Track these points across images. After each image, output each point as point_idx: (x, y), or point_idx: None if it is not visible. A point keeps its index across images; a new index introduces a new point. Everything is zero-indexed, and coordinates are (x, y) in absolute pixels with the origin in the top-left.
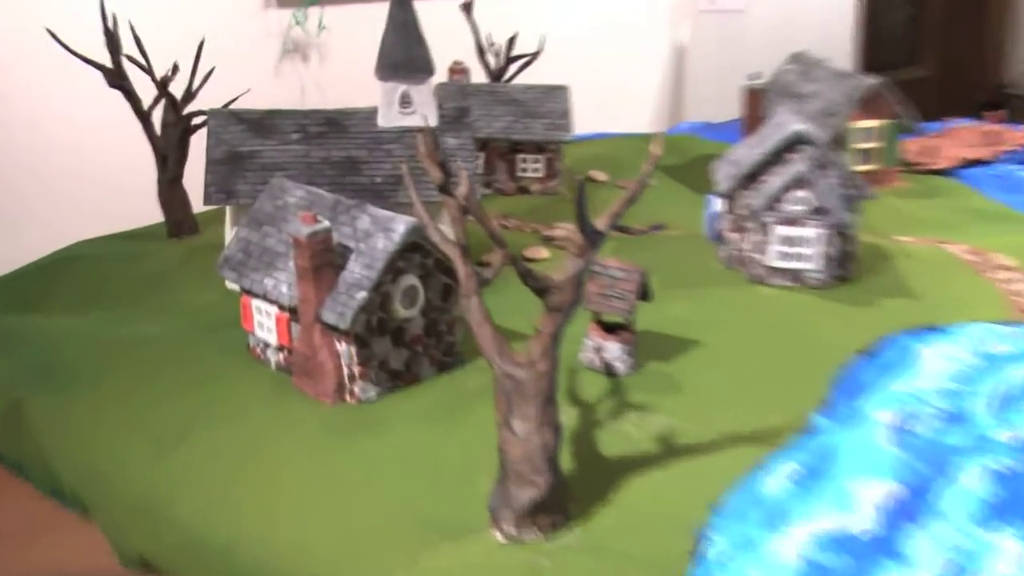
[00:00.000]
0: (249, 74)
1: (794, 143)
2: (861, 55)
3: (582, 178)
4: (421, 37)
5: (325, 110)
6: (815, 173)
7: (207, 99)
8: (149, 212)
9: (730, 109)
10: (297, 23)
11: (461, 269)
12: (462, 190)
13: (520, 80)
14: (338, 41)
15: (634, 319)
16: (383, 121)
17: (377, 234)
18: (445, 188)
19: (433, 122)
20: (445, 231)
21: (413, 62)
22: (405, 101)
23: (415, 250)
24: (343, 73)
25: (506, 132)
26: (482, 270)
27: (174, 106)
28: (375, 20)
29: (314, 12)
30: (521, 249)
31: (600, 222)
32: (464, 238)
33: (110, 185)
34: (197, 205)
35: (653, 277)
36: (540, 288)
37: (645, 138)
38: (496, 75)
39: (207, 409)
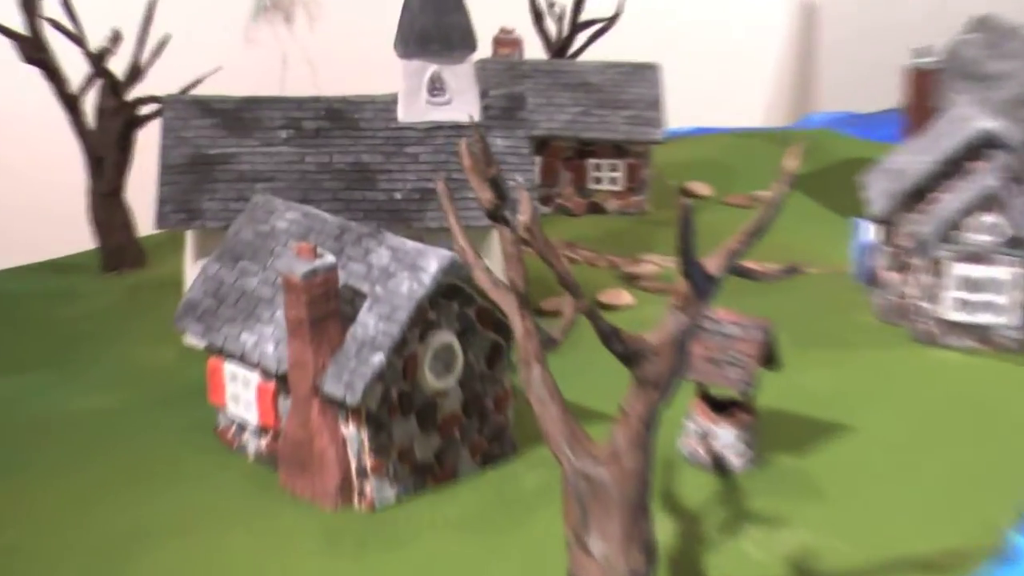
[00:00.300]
0: (212, 42)
1: (980, 147)
2: None
3: (689, 203)
4: (463, 6)
5: (325, 98)
6: (1010, 190)
7: (159, 79)
8: (78, 235)
9: (883, 95)
10: None
11: (519, 326)
12: (524, 218)
13: (591, 55)
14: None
15: (754, 393)
16: (406, 114)
17: (400, 273)
18: (498, 215)
19: (475, 115)
20: (495, 272)
21: (448, 33)
22: (437, 87)
23: (452, 295)
24: (343, 41)
25: (573, 128)
26: (547, 327)
27: (114, 89)
28: None
29: None
30: (595, 292)
31: (712, 264)
32: (524, 283)
33: (24, 197)
34: (145, 226)
35: (781, 333)
36: (628, 354)
37: (762, 136)
38: (559, 48)
39: (160, 517)
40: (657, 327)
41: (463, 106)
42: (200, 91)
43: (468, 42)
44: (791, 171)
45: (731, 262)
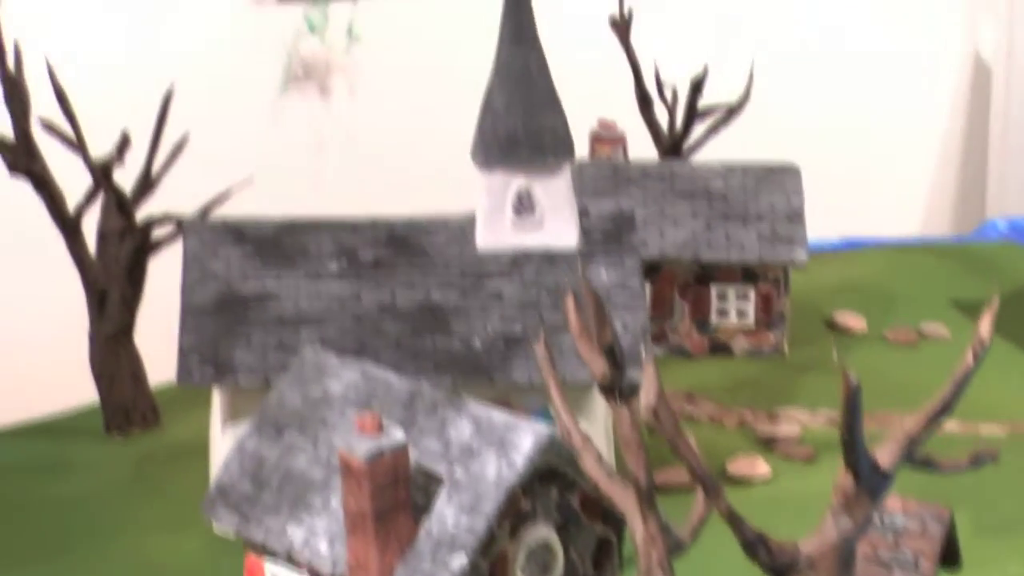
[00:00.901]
0: (235, 129)
1: None
2: None
3: (855, 382)
4: (552, 92)
5: (384, 221)
6: None
7: (175, 188)
8: (75, 388)
9: None
10: (311, 29)
11: (640, 530)
12: (648, 398)
13: (711, 153)
14: (381, 65)
15: None
16: (487, 240)
17: (486, 453)
18: (614, 389)
19: (571, 240)
20: (607, 457)
21: (539, 137)
22: (525, 204)
23: (550, 480)
24: (390, 114)
25: (692, 247)
26: (673, 526)
27: (121, 206)
28: (454, 21)
29: (339, 9)
30: (722, 460)
31: (885, 454)
32: (647, 475)
33: (8, 341)
34: (160, 376)
35: (960, 516)
36: (778, 568)
37: (928, 250)
38: (672, 145)
39: None
40: (815, 532)
41: (557, 228)
42: (229, 208)
43: (564, 148)
44: (985, 338)
45: (910, 451)
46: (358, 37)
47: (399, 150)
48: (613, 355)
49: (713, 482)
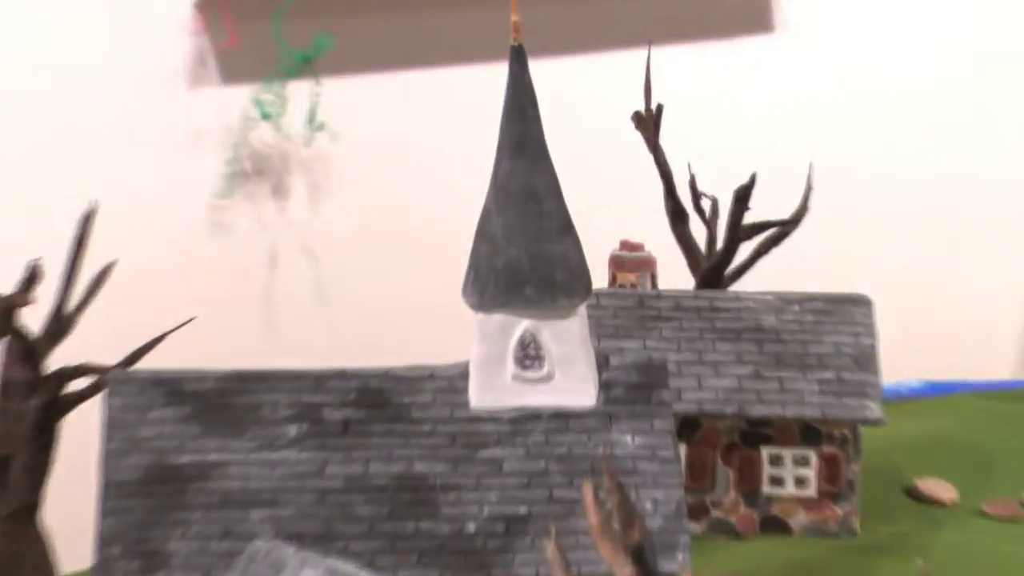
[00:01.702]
0: (162, 236)
1: None
2: None
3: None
4: (563, 215)
5: (356, 372)
6: None
7: (93, 331)
8: None
9: None
10: (264, 116)
11: None
12: None
13: (758, 281)
14: (353, 160)
15: None
16: (483, 397)
17: None
18: None
19: (588, 397)
20: None
21: (549, 271)
22: (530, 354)
23: None
24: (365, 232)
25: (737, 400)
26: None
27: (28, 356)
28: (446, 107)
29: (299, 91)
30: None
31: None
32: None
33: None
34: (73, 566)
35: None
36: None
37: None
38: (712, 270)
39: None
40: None
41: (571, 383)
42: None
43: (578, 283)
44: None
45: None
46: (322, 126)
47: (372, 273)
48: (642, 557)
49: None
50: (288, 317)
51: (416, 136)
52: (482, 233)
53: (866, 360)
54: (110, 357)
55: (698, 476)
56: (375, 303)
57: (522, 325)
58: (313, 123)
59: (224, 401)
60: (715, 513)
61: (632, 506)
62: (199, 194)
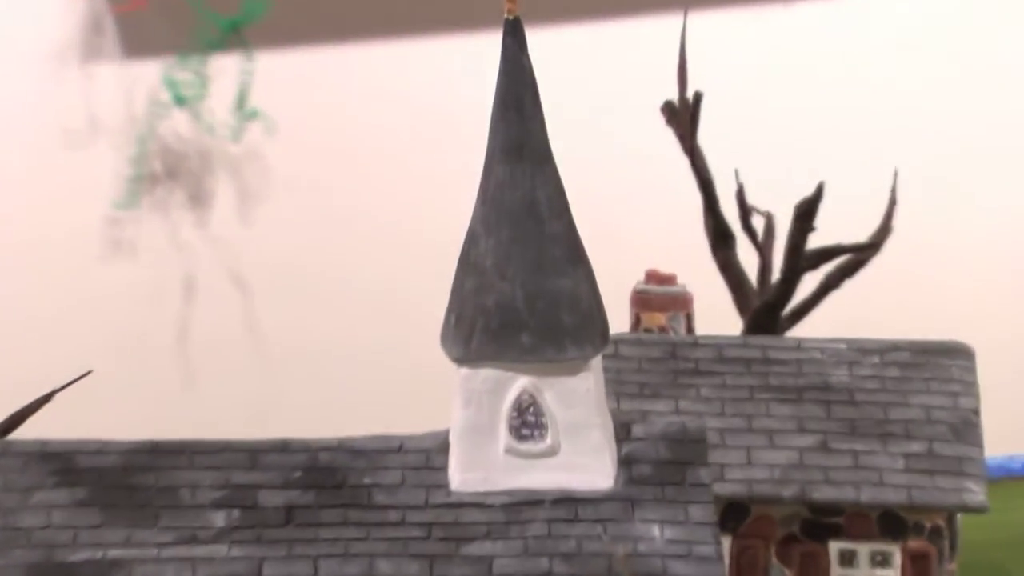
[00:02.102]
0: (48, 260)
1: None
2: None
3: None
4: (573, 239)
5: (301, 443)
6: None
7: None
8: None
9: None
10: (179, 100)
11: None
12: None
13: (826, 324)
14: (294, 153)
15: None
16: (468, 478)
17: None
18: None
19: (604, 477)
20: None
21: (551, 311)
22: (529, 421)
23: None
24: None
25: (799, 480)
26: None
27: None
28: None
29: (224, 68)
30: None
31: None
32: None
33: None
34: None
35: None
36: None
37: None
38: (766, 308)
39: None
40: None
41: (581, 459)
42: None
43: (592, 329)
44: None
45: None
46: (255, 114)
47: (319, 306)
48: None
49: None
50: (210, 363)
51: (380, 128)
52: (467, 262)
53: (966, 428)
54: None
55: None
56: (323, 347)
57: (519, 383)
58: (243, 110)
59: (131, 481)
60: None
61: None
62: (93, 204)
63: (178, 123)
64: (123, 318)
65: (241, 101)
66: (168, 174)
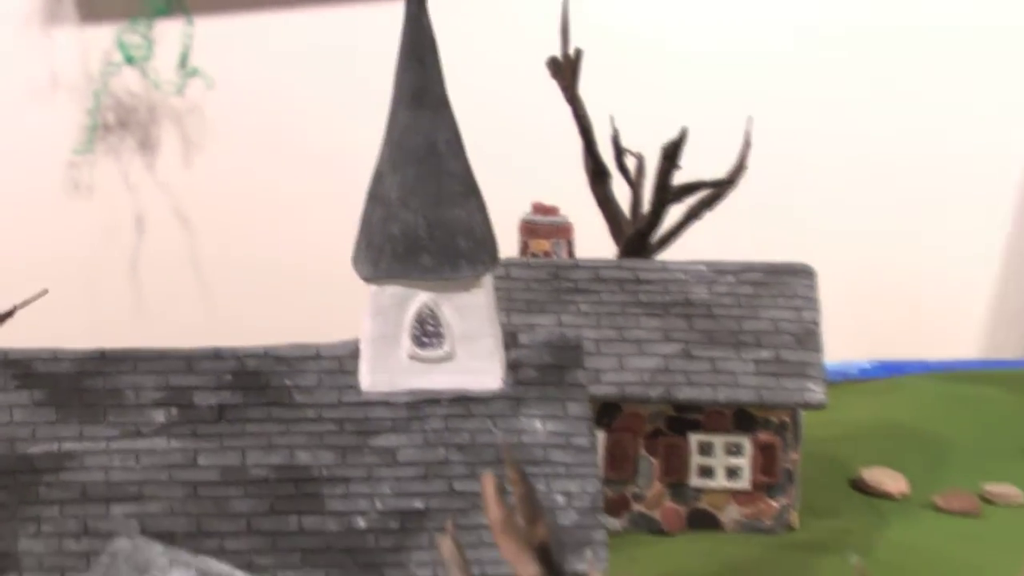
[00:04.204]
0: (10, 194)
1: None
2: None
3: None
4: (466, 175)
5: (231, 351)
6: None
7: None
8: None
9: None
10: (129, 60)
11: None
12: None
13: (689, 249)
14: (229, 109)
15: None
16: (375, 380)
17: None
18: None
19: (493, 379)
20: None
21: (448, 236)
22: (429, 330)
23: None
24: (245, 190)
25: (664, 382)
26: None
27: None
28: (334, 50)
29: (168, 31)
30: None
31: None
32: None
33: None
34: None
35: None
36: None
37: (989, 378)
38: (637, 236)
39: None
40: None
41: (474, 363)
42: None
43: (484, 252)
44: None
45: None
46: (196, 71)
47: (254, 236)
48: (548, 556)
49: None
50: (157, 289)
51: (303, 83)
52: (375, 195)
53: (808, 337)
54: None
55: (618, 466)
56: (255, 273)
57: (420, 299)
58: (185, 68)
59: (82, 384)
60: (637, 507)
61: (537, 500)
62: (55, 149)
63: (128, 80)
64: (81, 249)
65: (183, 61)
66: (120, 124)
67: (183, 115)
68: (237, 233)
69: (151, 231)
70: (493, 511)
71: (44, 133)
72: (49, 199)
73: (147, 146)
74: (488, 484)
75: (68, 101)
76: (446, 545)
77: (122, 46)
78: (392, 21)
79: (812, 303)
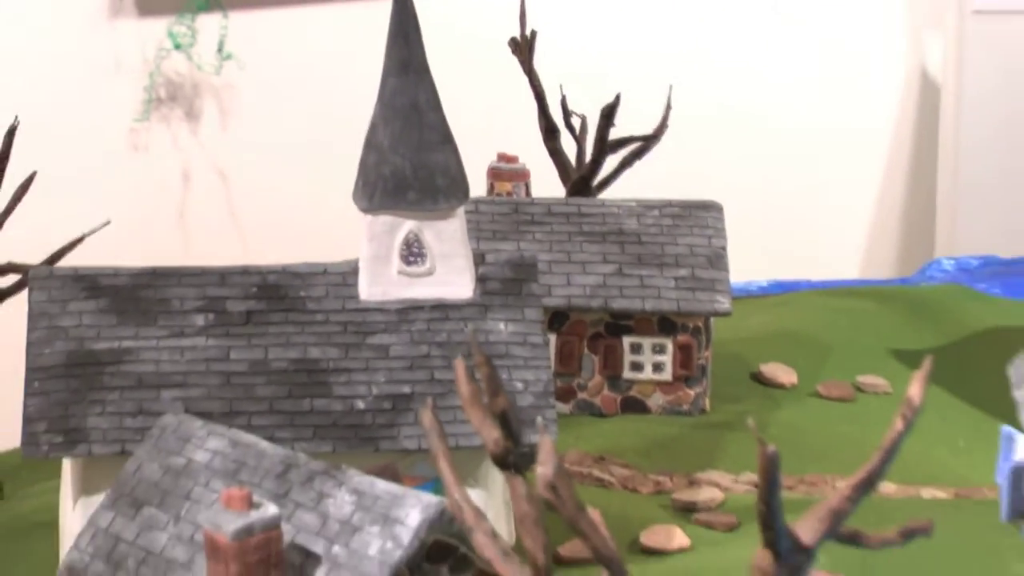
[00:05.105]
0: (83, 149)
1: None
2: None
3: (774, 452)
4: (443, 128)
5: (257, 268)
6: None
7: (18, 234)
8: None
9: None
10: (177, 46)
11: None
12: (545, 473)
13: (625, 190)
14: (257, 86)
15: None
16: (371, 291)
17: (368, 528)
18: (508, 462)
19: (466, 290)
20: (505, 531)
21: (430, 177)
22: (414, 251)
23: (441, 557)
24: (271, 151)
25: (602, 295)
26: None
27: None
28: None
29: (208, 23)
30: (637, 530)
31: (807, 529)
32: (544, 554)
33: None
34: (3, 445)
35: None
36: None
37: (867, 293)
38: (580, 180)
39: None
40: None
41: (450, 277)
42: (79, 257)
43: (457, 188)
44: (916, 403)
45: (833, 527)
46: (231, 55)
47: (278, 186)
48: (507, 423)
49: (619, 563)
50: (199, 230)
51: (315, 64)
52: (370, 144)
53: (717, 259)
54: (35, 258)
55: (567, 363)
56: (279, 215)
57: (406, 226)
58: (222, 53)
59: (137, 294)
60: (581, 395)
61: (499, 379)
62: (120, 118)
63: (177, 63)
64: (139, 197)
65: (220, 47)
66: (170, 98)
67: (220, 90)
68: (265, 184)
69: (195, 183)
70: (463, 388)
71: (110, 105)
72: (114, 157)
73: (191, 115)
74: (459, 367)
75: (129, 80)
76: (426, 416)
77: (171, 35)
78: (385, 14)
79: (720, 232)
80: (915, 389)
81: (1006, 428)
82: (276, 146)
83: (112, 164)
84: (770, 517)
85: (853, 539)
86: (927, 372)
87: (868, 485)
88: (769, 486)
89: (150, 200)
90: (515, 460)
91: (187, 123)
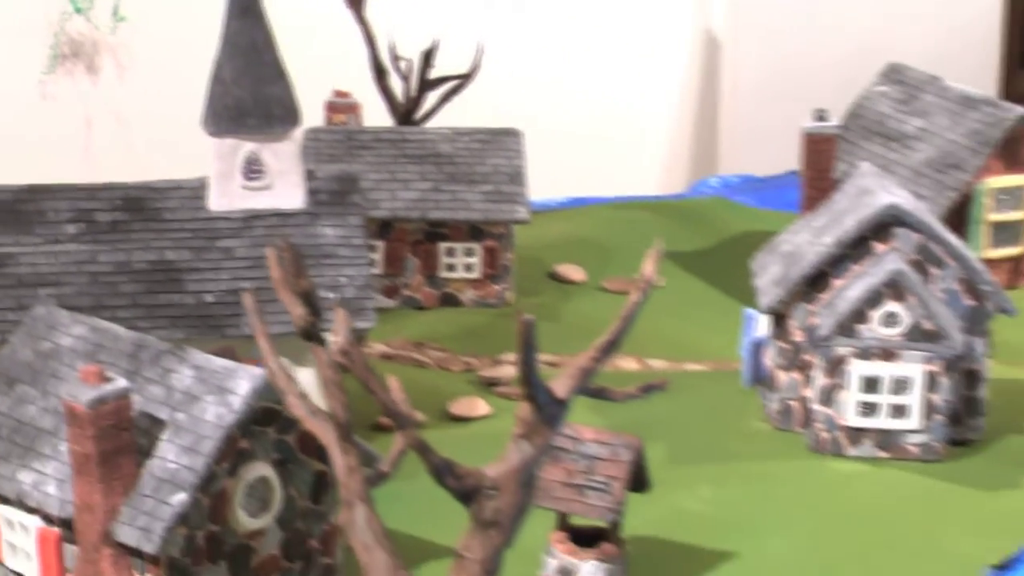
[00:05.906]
0: (3, 97)
1: (885, 225)
2: (1006, 71)
3: (530, 319)
4: (278, 64)
5: (121, 184)
6: (917, 275)
7: None
8: None
9: (784, 154)
10: (77, 10)
11: (339, 461)
12: (338, 341)
13: (442, 120)
14: (147, 43)
15: (621, 521)
16: (219, 202)
17: (205, 397)
18: (311, 334)
19: (298, 201)
20: (312, 397)
21: (267, 106)
22: (254, 169)
23: (268, 421)
24: (160, 95)
25: (421, 207)
26: (374, 457)
27: None
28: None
29: None
30: (447, 401)
31: (561, 386)
32: (345, 411)
33: None
34: None
35: (657, 445)
36: (464, 491)
37: (646, 206)
38: (405, 112)
39: None
40: (499, 458)
41: (285, 190)
42: None
43: (290, 116)
44: (649, 278)
45: (582, 383)
46: (124, 17)
47: (167, 125)
48: (310, 301)
49: (404, 414)
50: (102, 167)
51: (198, 24)
52: (216, 77)
53: (517, 177)
54: None
55: (392, 265)
56: (169, 148)
57: (247, 147)
58: (116, 15)
59: (17, 208)
60: (405, 292)
61: (302, 261)
62: (30, 71)
63: (78, 24)
64: (49, 137)
65: (115, 10)
66: (73, 54)
67: (116, 48)
68: (157, 127)
69: (96, 129)
70: (274, 272)
71: (22, 60)
72: (26, 105)
73: (92, 69)
74: (271, 255)
75: (37, 38)
76: (248, 300)
77: (73, 1)
78: None
79: (519, 155)
80: (648, 268)
81: (748, 310)
82: (166, 91)
83: (25, 110)
84: (528, 375)
85: (600, 394)
86: (657, 255)
87: (611, 347)
88: (526, 350)
89: (58, 141)
90: (317, 333)
91: (88, 75)
